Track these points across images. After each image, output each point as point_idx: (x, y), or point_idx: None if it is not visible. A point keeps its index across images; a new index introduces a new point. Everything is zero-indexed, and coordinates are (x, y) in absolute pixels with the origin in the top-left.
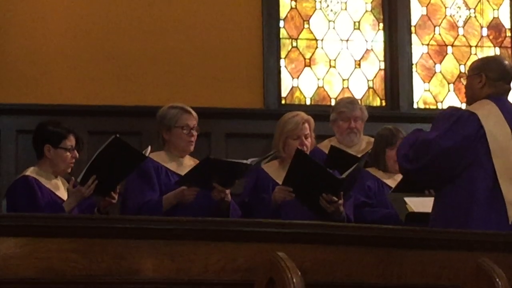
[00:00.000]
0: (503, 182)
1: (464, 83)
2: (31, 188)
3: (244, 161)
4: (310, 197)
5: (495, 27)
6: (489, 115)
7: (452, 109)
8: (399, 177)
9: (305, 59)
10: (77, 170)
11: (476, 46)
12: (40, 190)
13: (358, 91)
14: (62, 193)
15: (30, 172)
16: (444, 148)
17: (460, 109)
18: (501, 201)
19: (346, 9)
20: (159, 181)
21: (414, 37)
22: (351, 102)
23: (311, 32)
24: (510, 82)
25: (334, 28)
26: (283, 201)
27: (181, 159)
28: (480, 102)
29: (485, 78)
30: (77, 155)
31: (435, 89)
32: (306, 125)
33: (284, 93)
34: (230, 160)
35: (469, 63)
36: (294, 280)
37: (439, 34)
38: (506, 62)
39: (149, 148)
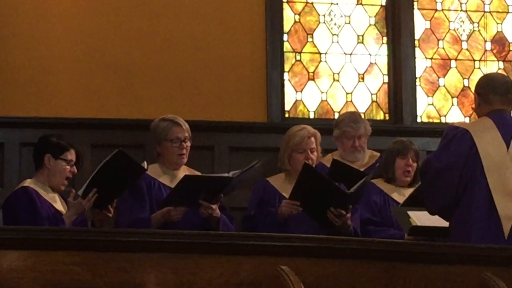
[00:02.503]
0: (497, 197)
1: None
2: (32, 199)
3: (225, 174)
4: (317, 211)
5: (499, 41)
6: (483, 131)
7: (449, 128)
8: (405, 190)
9: (308, 72)
10: (79, 182)
11: (479, 60)
12: (40, 202)
13: (361, 104)
14: (59, 206)
15: (28, 183)
16: (437, 169)
17: (457, 127)
18: (497, 217)
19: (349, 22)
20: (151, 195)
21: (417, 51)
22: (354, 120)
23: (315, 46)
24: (504, 93)
25: (337, 41)
26: (290, 215)
27: (175, 172)
28: (477, 119)
29: (478, 97)
30: (76, 171)
31: (439, 103)
32: (312, 139)
33: (287, 107)
34: (209, 175)
35: (472, 77)
36: None
37: (443, 48)
38: (496, 75)
39: (145, 162)
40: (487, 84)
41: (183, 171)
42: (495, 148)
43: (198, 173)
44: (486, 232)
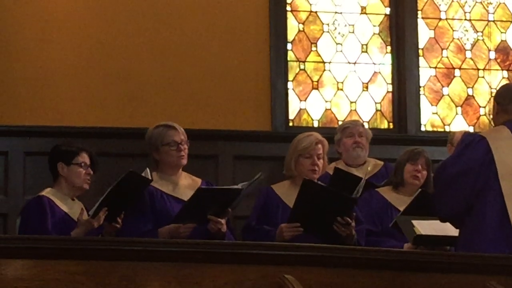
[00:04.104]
0: (510, 205)
1: None
2: (43, 208)
3: (235, 186)
4: (320, 226)
5: (503, 50)
6: (500, 139)
7: (466, 135)
8: (409, 200)
9: (312, 81)
10: (85, 192)
11: (483, 69)
12: (53, 211)
13: (365, 113)
14: (76, 216)
15: (46, 192)
16: (451, 174)
17: (474, 134)
18: (508, 224)
19: (353, 32)
20: (155, 205)
21: (421, 60)
22: (354, 120)
23: (319, 55)
24: None
25: (341, 51)
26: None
27: (175, 179)
28: (494, 128)
29: (497, 106)
30: (92, 172)
31: (443, 112)
32: (320, 145)
33: (291, 116)
34: (221, 187)
35: (476, 86)
36: None
37: (447, 57)
38: None
39: (148, 170)
40: (507, 94)
41: (184, 178)
42: (511, 155)
43: (198, 180)
44: (496, 239)
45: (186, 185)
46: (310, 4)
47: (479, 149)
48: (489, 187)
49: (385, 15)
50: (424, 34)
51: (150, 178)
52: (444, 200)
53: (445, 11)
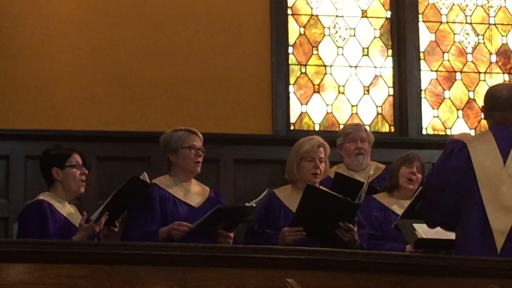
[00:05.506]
0: (490, 211)
1: None
2: (44, 212)
3: (249, 204)
4: (323, 231)
5: (504, 53)
6: (480, 145)
7: (450, 142)
8: (406, 203)
9: (314, 85)
10: (85, 196)
11: (485, 73)
12: (53, 215)
13: (367, 117)
14: (75, 220)
15: (44, 196)
16: (435, 186)
17: (457, 141)
18: (490, 231)
19: (354, 35)
20: (166, 210)
21: (422, 63)
22: (356, 124)
23: (320, 58)
24: (506, 108)
25: (343, 54)
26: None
27: (187, 186)
28: (480, 132)
29: (484, 110)
30: (86, 171)
31: (444, 115)
32: (321, 149)
33: (292, 119)
34: (238, 206)
35: (478, 89)
36: None
37: (448, 60)
38: (500, 90)
39: (145, 173)
40: (490, 99)
41: (194, 185)
42: (491, 162)
43: (207, 188)
44: (479, 246)
45: (196, 191)
46: (311, 8)
47: (459, 158)
48: (470, 194)
49: (386, 18)
50: (425, 37)
51: (148, 182)
52: (431, 209)
53: (446, 15)
